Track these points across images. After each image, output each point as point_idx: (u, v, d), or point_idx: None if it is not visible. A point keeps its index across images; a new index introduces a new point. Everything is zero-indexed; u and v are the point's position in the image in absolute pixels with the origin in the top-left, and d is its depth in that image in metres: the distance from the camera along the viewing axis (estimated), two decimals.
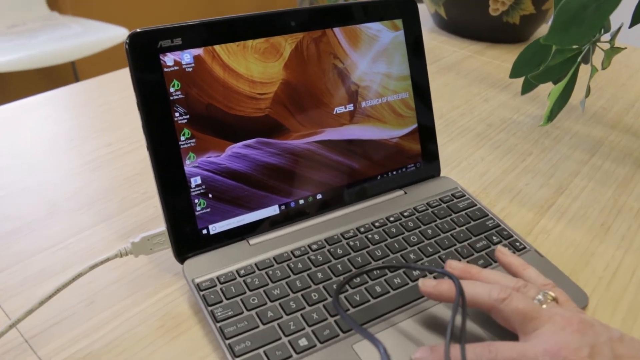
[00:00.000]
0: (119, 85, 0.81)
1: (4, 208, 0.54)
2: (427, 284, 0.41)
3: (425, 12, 1.17)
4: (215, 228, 0.47)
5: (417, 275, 0.45)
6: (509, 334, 0.39)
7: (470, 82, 0.88)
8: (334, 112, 0.52)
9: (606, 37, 0.65)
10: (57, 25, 1.89)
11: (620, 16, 0.72)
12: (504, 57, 0.98)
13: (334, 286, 0.44)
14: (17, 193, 0.57)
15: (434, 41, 1.06)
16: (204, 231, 0.46)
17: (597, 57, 0.70)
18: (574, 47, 0.57)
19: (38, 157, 0.63)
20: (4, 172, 0.60)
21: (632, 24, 0.59)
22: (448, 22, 1.08)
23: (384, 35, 0.54)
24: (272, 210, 0.49)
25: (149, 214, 0.54)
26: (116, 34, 1.84)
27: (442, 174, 0.59)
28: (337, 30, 0.51)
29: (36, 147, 0.65)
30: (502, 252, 0.46)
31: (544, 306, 0.39)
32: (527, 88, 0.73)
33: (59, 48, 1.75)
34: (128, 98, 0.77)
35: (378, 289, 0.44)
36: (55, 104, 0.75)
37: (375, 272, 0.45)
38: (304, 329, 0.40)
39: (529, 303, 0.38)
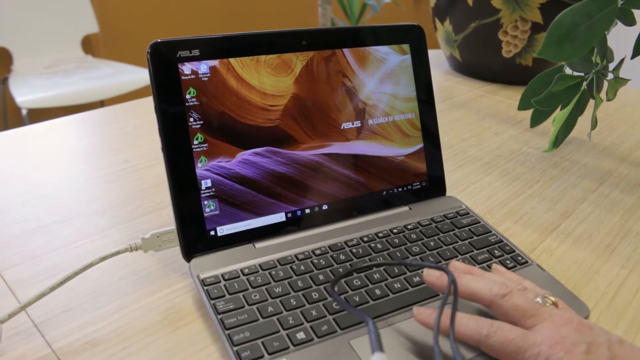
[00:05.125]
0: (142, 110, 0.85)
1: (24, 211, 0.57)
2: (431, 273, 0.41)
3: (441, 55, 1.21)
4: (223, 230, 0.49)
5: (417, 281, 0.46)
6: None
7: (482, 118, 0.91)
8: (342, 127, 0.54)
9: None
10: (90, 67, 1.99)
11: (626, 49, 0.74)
12: (516, 97, 1.01)
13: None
14: (37, 199, 0.59)
15: (449, 82, 1.09)
16: (212, 232, 0.48)
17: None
18: (577, 74, 0.59)
19: (60, 168, 0.66)
20: (28, 180, 0.63)
21: (634, 55, 0.61)
22: (462, 64, 1.11)
23: (391, 58, 0.57)
24: (279, 217, 0.51)
25: (160, 221, 0.56)
26: (143, 76, 1.93)
27: (448, 196, 0.60)
28: (346, 50, 0.54)
29: (59, 159, 0.68)
30: (498, 269, 0.47)
31: (544, 308, 0.39)
32: (535, 121, 0.75)
33: (90, 88, 1.83)
34: (149, 122, 0.81)
35: (378, 292, 0.45)
36: (82, 124, 0.80)
37: (375, 276, 0.46)
38: (302, 324, 0.41)
39: (529, 301, 0.39)
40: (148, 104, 0.88)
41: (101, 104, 2.15)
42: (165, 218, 0.57)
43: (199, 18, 2.53)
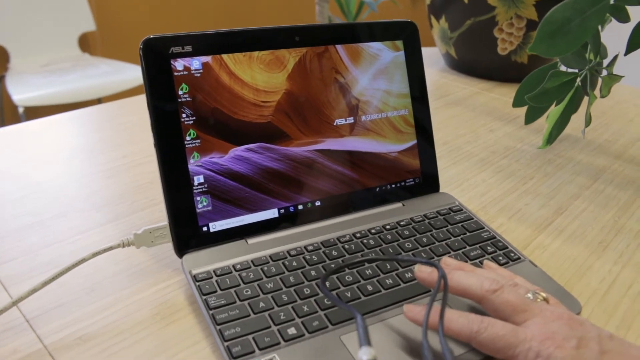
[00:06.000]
0: (138, 107, 0.85)
1: (22, 206, 0.57)
2: (422, 269, 0.42)
3: (437, 52, 1.21)
4: (216, 226, 0.49)
5: (408, 277, 0.46)
6: None
7: (477, 115, 0.91)
8: (335, 124, 0.54)
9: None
10: (87, 65, 1.98)
11: (620, 46, 0.74)
12: (511, 94, 1.00)
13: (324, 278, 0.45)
14: (33, 195, 0.59)
15: (444, 79, 1.09)
16: (204, 228, 0.48)
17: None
18: (570, 71, 0.59)
19: (58, 164, 0.66)
20: (26, 177, 0.63)
21: (628, 52, 0.61)
22: (458, 61, 1.11)
23: (384, 54, 0.57)
24: (272, 214, 0.51)
25: (156, 217, 0.56)
26: (140, 74, 1.93)
27: (441, 192, 0.60)
28: (339, 47, 0.54)
29: (57, 156, 0.68)
30: (490, 265, 0.47)
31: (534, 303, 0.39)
32: (530, 118, 0.75)
33: (87, 86, 1.83)
34: (145, 119, 0.81)
35: (370, 287, 0.45)
36: (79, 121, 0.80)
37: (367, 272, 0.46)
38: (293, 319, 0.41)
39: (520, 296, 0.39)
40: (144, 100, 0.88)
41: (98, 102, 2.15)
42: (158, 214, 0.57)
43: (196, 16, 2.53)
